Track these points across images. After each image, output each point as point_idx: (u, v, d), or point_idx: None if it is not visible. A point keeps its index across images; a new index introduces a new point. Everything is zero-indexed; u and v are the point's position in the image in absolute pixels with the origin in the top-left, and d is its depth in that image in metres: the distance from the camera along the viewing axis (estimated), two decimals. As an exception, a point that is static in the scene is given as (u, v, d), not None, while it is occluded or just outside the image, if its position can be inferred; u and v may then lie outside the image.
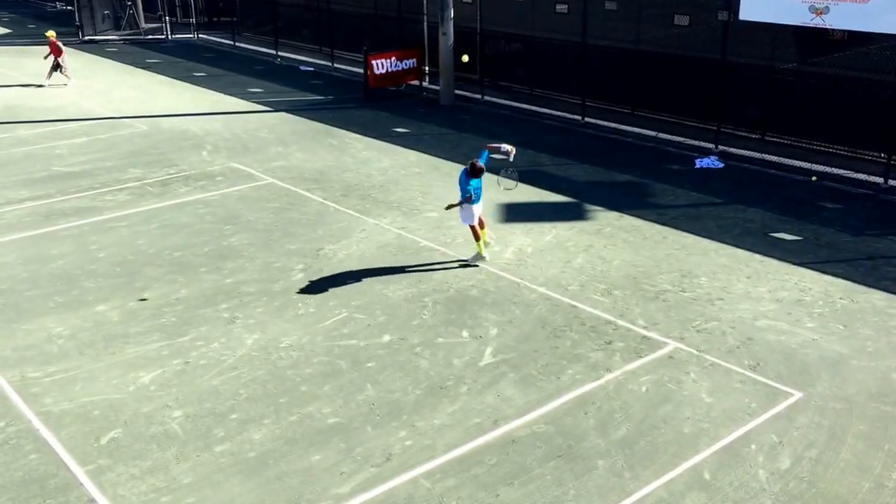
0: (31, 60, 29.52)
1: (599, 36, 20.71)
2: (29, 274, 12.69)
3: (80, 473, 8.34)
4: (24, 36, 35.14)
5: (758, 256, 12.96)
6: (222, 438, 8.84)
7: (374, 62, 23.49)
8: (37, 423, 9.11)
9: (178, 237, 13.97)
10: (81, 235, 14.10)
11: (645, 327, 10.90)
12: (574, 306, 11.47)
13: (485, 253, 12.83)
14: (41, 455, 8.62)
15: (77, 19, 33.86)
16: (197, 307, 11.57)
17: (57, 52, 25.45)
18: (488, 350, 10.43)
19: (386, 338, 10.76)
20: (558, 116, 21.55)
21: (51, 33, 25.66)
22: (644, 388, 9.57)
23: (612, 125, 20.55)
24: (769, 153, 17.91)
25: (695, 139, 19.08)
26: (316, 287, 12.15)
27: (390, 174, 17.01)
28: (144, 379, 9.92)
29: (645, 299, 11.65)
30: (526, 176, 16.64)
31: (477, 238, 12.75)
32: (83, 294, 12.06)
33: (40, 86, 25.63)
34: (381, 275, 12.49)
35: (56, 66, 25.56)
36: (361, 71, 24.26)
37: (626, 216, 14.69)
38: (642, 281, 12.20)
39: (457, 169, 17.16)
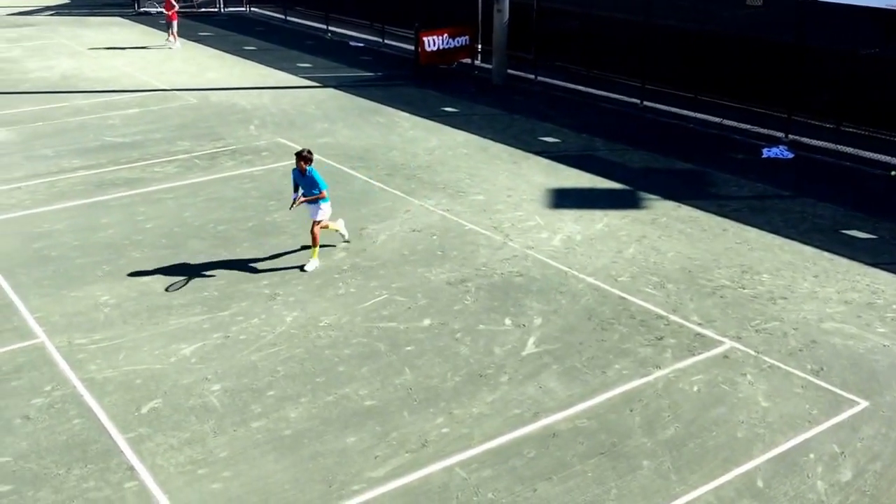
0: (88, 30, 29.84)
1: (664, 15, 20.17)
2: (79, 242, 12.80)
3: (120, 441, 8.41)
4: (83, 6, 35.51)
5: (826, 254, 12.52)
6: (259, 415, 8.83)
7: (425, 39, 23.28)
8: (81, 389, 9.20)
9: (223, 211, 13.99)
10: (130, 206, 14.19)
11: (699, 324, 10.62)
12: (624, 298, 11.24)
13: (317, 261, 12.03)
14: (84, 420, 8.70)
15: (133, -10, 34.17)
16: (238, 282, 11.57)
17: (169, 7, 26.53)
18: (531, 340, 10.27)
19: (426, 322, 10.65)
20: (615, 99, 21.10)
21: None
22: (695, 388, 9.33)
23: (673, 110, 20.00)
24: (844, 144, 17.10)
25: (762, 127, 18.40)
26: (357, 267, 12.08)
27: (437, 154, 16.86)
28: (185, 351, 9.95)
29: (700, 294, 11.36)
30: (579, 161, 16.45)
31: (316, 237, 11.94)
32: (130, 264, 12.13)
33: (169, 48, 26.85)
34: (423, 257, 12.37)
35: (169, 26, 26.90)
36: (412, 48, 24.08)
37: (683, 206, 14.32)
38: (698, 275, 11.90)
39: (506, 151, 17.03)
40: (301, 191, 11.96)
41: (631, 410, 8.91)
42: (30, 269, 11.94)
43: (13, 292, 11.25)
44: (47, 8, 35.04)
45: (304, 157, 11.69)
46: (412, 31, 24.11)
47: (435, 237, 13.05)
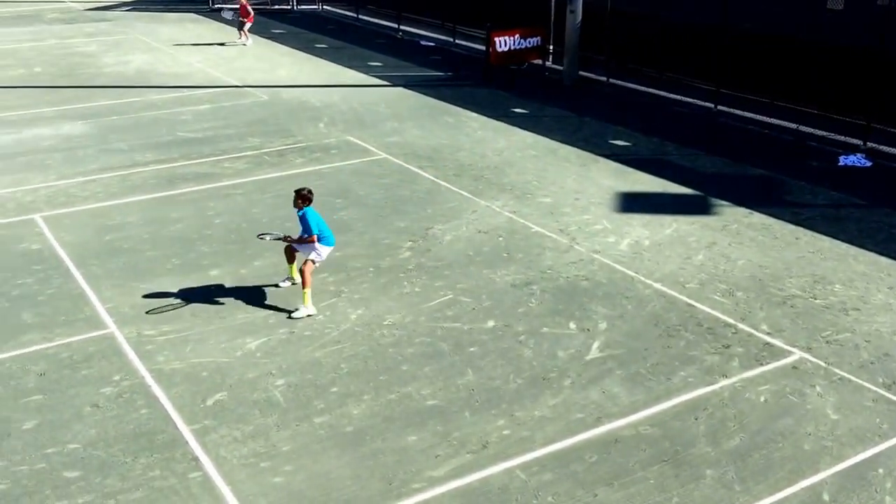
0: (163, 26, 30.48)
1: (741, 18, 19.72)
2: (150, 235, 13.06)
3: (186, 432, 8.53)
4: (158, 3, 36.30)
5: (901, 265, 12.14)
6: (322, 410, 8.88)
7: (496, 39, 23.19)
8: (149, 380, 9.37)
9: (290, 208, 14.03)
10: (200, 200, 14.43)
11: (768, 333, 10.36)
12: (691, 305, 11.02)
13: (312, 308, 10.77)
14: (151, 411, 8.85)
15: (207, -12, 34.80)
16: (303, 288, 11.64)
17: (245, 13, 26.89)
18: (595, 344, 10.13)
19: (490, 323, 10.59)
20: (689, 103, 20.74)
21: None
22: (762, 399, 9.09)
23: (748, 115, 19.57)
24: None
25: (840, 134, 17.89)
26: (422, 266, 12.07)
27: (505, 155, 16.77)
28: (251, 345, 10.06)
29: (770, 304, 11.07)
30: (649, 165, 16.20)
31: (306, 285, 10.70)
32: (199, 258, 12.33)
33: (242, 44, 27.23)
34: (489, 259, 12.31)
35: (241, 26, 27.24)
36: (483, 48, 24.03)
37: (755, 213, 14.00)
38: (769, 284, 11.61)
39: (575, 153, 16.87)
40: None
41: (696, 419, 8.72)
42: (102, 260, 12.22)
43: (85, 283, 11.52)
44: (124, 3, 35.90)
45: (300, 196, 10.64)
46: (483, 31, 24.04)
47: (501, 239, 12.97)
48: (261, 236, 11.25)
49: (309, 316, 10.68)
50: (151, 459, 8.14)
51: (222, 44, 27.42)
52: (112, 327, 10.43)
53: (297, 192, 10.73)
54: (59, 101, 20.57)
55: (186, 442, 8.39)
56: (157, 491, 7.72)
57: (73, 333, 10.29)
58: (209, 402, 9.01)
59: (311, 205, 10.69)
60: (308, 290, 10.69)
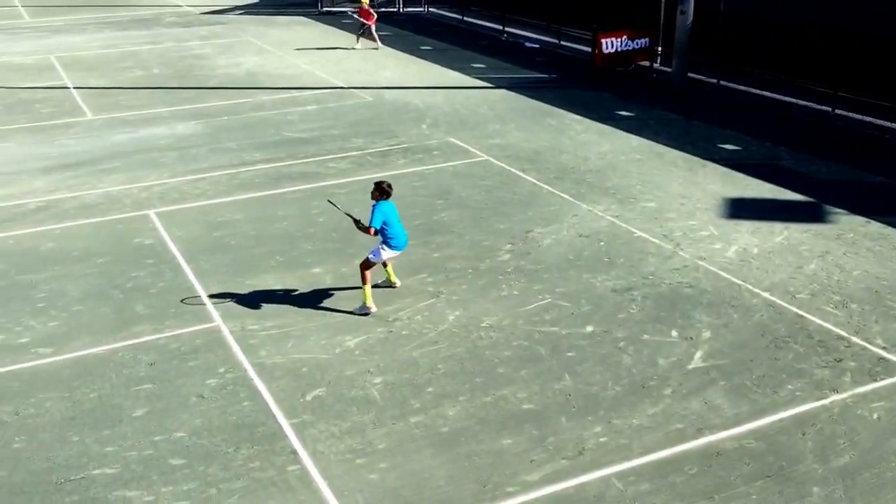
0: (273, 29, 31.26)
1: (860, 19, 18.91)
2: (256, 232, 13.40)
3: (285, 425, 8.70)
4: (269, 6, 37.26)
5: None
6: (418, 410, 8.91)
7: (603, 40, 22.91)
8: (251, 373, 9.60)
9: (393, 207, 14.25)
10: (304, 199, 14.72)
11: (884, 348, 9.88)
12: (801, 316, 10.61)
13: (372, 306, 10.79)
14: (253, 403, 9.07)
15: (317, -9, 35.55)
16: (403, 278, 11.74)
17: (367, 17, 27.32)
18: (698, 353, 9.86)
19: (589, 328, 10.44)
20: (804, 107, 20.01)
21: (364, 1, 27.61)
22: (876, 416, 8.68)
23: (867, 119, 18.77)
24: None
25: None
26: (521, 269, 12.00)
27: (609, 159, 16.53)
28: (350, 343, 10.19)
29: (887, 317, 10.56)
30: (760, 170, 15.71)
31: (364, 282, 10.75)
32: (302, 255, 12.57)
33: (375, 48, 27.52)
34: (589, 263, 12.15)
35: (364, 31, 27.58)
36: (589, 49, 23.77)
37: (873, 222, 13.39)
38: (886, 296, 11.08)
39: (682, 157, 16.50)
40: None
41: (803, 434, 8.39)
42: (210, 255, 12.59)
43: (194, 277, 11.89)
44: (237, 7, 37.00)
45: (379, 188, 10.67)
46: (589, 33, 23.78)
47: (602, 243, 12.79)
48: (331, 201, 11.21)
49: (364, 315, 10.73)
50: (252, 451, 8.33)
51: (338, 47, 27.71)
52: (218, 321, 10.74)
53: (377, 183, 10.75)
54: (174, 101, 21.34)
55: (286, 435, 8.56)
56: (257, 482, 7.90)
57: (182, 326, 10.63)
58: (308, 398, 9.17)
59: (389, 199, 10.68)
60: (367, 287, 10.74)
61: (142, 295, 11.41)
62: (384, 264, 11.24)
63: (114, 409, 9.01)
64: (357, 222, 10.75)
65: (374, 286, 11.30)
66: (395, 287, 11.43)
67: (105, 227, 13.63)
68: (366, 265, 10.79)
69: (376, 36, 27.79)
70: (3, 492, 7.81)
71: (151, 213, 14.16)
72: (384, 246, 10.76)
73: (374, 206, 10.64)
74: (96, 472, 8.06)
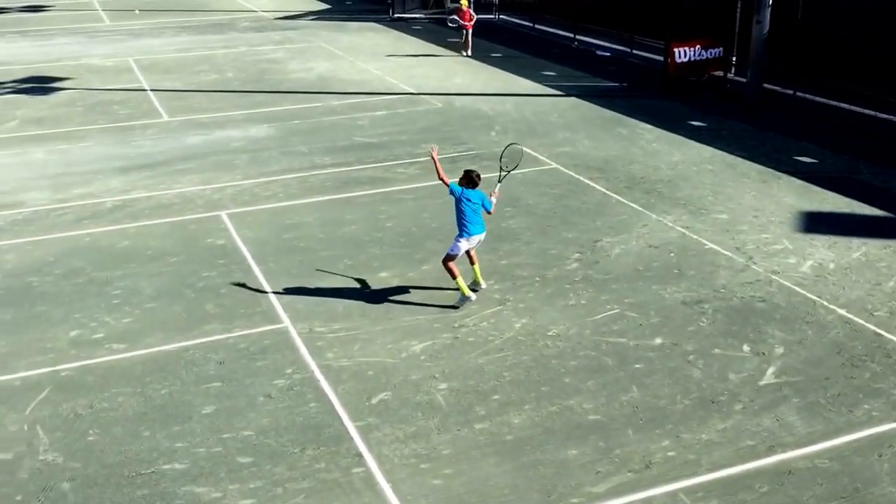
0: (345, 35, 31.61)
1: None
2: (325, 235, 13.53)
3: (351, 428, 8.76)
4: (342, 12, 37.70)
5: None
6: (482, 417, 8.88)
7: (676, 50, 22.61)
8: (318, 375, 9.69)
9: (461, 214, 14.25)
10: (373, 204, 14.82)
11: (962, 369, 9.54)
12: (879, 335, 10.29)
13: (470, 294, 11.13)
14: (319, 405, 9.14)
15: (389, -3, 35.84)
16: (469, 284, 11.71)
17: (468, 19, 27.28)
18: (771, 369, 9.63)
19: (658, 340, 10.29)
20: (886, 120, 19.41)
21: (464, 2, 27.58)
22: (954, 439, 8.37)
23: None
24: None
25: None
26: (589, 279, 11.89)
27: (680, 169, 16.29)
28: (416, 348, 10.21)
29: (965, 337, 10.21)
30: (837, 184, 15.32)
31: (453, 276, 11.00)
32: (369, 260, 12.65)
33: (466, 55, 27.44)
34: (658, 274, 11.97)
35: (463, 34, 27.51)
36: (661, 58, 23.49)
37: (953, 240, 12.95)
38: (962, 315, 10.71)
39: (755, 169, 16.19)
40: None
41: (879, 456, 8.12)
42: (280, 257, 12.75)
43: (264, 278, 12.06)
44: (310, 13, 37.50)
45: (468, 176, 11.01)
46: (662, 42, 23.49)
47: (672, 254, 12.59)
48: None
49: (464, 303, 11.07)
50: (318, 452, 8.39)
51: (432, 55, 27.45)
52: (286, 322, 10.86)
53: (467, 171, 11.07)
54: (247, 104, 21.71)
55: (351, 438, 8.61)
56: (322, 483, 7.95)
57: (251, 326, 10.78)
58: (374, 401, 9.21)
59: (476, 188, 10.94)
60: (458, 280, 11.02)
61: (212, 294, 11.61)
62: (471, 261, 11.35)
63: (184, 405, 9.17)
64: (435, 161, 11.12)
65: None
66: (479, 288, 11.43)
67: (178, 226, 13.92)
68: (447, 259, 11.03)
69: (470, 43, 27.59)
70: (76, 483, 8.01)
71: (223, 214, 14.41)
72: (460, 238, 10.97)
73: (460, 190, 10.92)
74: (166, 466, 8.21)
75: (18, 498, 7.83)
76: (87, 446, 8.53)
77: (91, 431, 8.76)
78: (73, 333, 10.66)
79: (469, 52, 27.47)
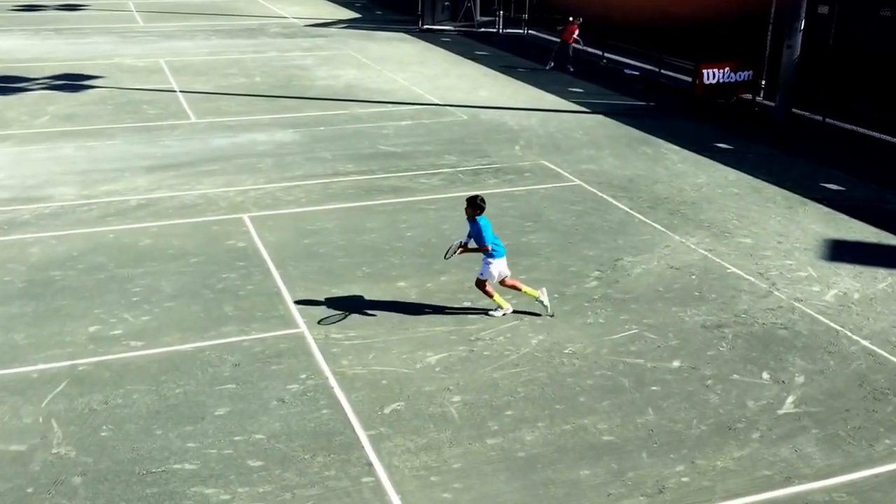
0: (373, 44, 31.72)
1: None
2: (344, 242, 13.53)
3: (362, 436, 8.72)
4: (371, 21, 37.86)
5: None
6: (495, 432, 8.82)
7: (705, 71, 22.52)
8: (332, 382, 9.66)
9: (482, 227, 14.21)
10: (394, 213, 14.81)
11: None
12: (901, 368, 10.16)
13: (506, 306, 11.19)
14: (332, 412, 9.11)
15: (419, 8, 35.90)
16: (488, 298, 11.65)
17: (568, 36, 27.24)
18: (790, 398, 9.50)
19: (675, 363, 10.18)
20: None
21: (572, 20, 27.45)
22: (976, 478, 8.22)
23: None
24: None
25: None
26: (608, 298, 11.80)
27: (705, 191, 16.18)
28: (431, 359, 10.17)
29: None
30: (865, 212, 15.16)
31: (490, 294, 11.05)
32: (388, 268, 12.63)
33: (571, 69, 27.28)
34: (679, 296, 11.87)
35: (560, 48, 27.40)
36: (689, 79, 23.40)
37: (980, 274, 12.76)
38: None
39: (781, 194, 16.05)
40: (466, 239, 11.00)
41: (900, 493, 7.99)
42: (299, 262, 12.76)
43: (282, 282, 12.06)
44: (340, 21, 37.69)
45: (473, 204, 10.73)
46: (691, 63, 23.39)
47: (693, 277, 12.49)
48: (447, 256, 11.16)
49: (504, 314, 11.16)
50: (328, 459, 8.35)
51: (569, 70, 27.21)
52: (302, 327, 10.85)
53: (472, 199, 10.82)
54: (274, 109, 21.81)
55: (362, 446, 8.56)
56: (331, 490, 7.91)
57: (268, 329, 10.78)
58: (386, 411, 9.16)
59: (483, 214, 10.80)
60: (495, 296, 11.10)
61: (231, 296, 11.63)
62: (511, 285, 11.15)
63: (197, 406, 9.17)
64: (468, 248, 10.92)
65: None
66: (540, 301, 11.21)
67: (200, 227, 13.97)
68: (482, 285, 11.05)
69: (566, 56, 27.37)
70: (88, 478, 8.01)
71: (245, 216, 14.45)
72: (490, 259, 10.87)
73: (477, 223, 10.74)
74: (176, 466, 8.20)
75: (30, 490, 7.84)
76: (100, 442, 8.54)
77: (105, 427, 8.77)
78: (92, 329, 10.70)
79: (572, 68, 27.34)
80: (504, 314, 11.19)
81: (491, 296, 11.10)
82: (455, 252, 11.03)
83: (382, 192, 15.88)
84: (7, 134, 19.07)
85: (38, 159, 17.32)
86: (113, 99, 22.42)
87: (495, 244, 10.88)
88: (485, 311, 11.27)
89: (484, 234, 10.71)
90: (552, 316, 11.18)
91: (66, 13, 38.27)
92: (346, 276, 12.30)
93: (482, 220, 10.78)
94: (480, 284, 11.08)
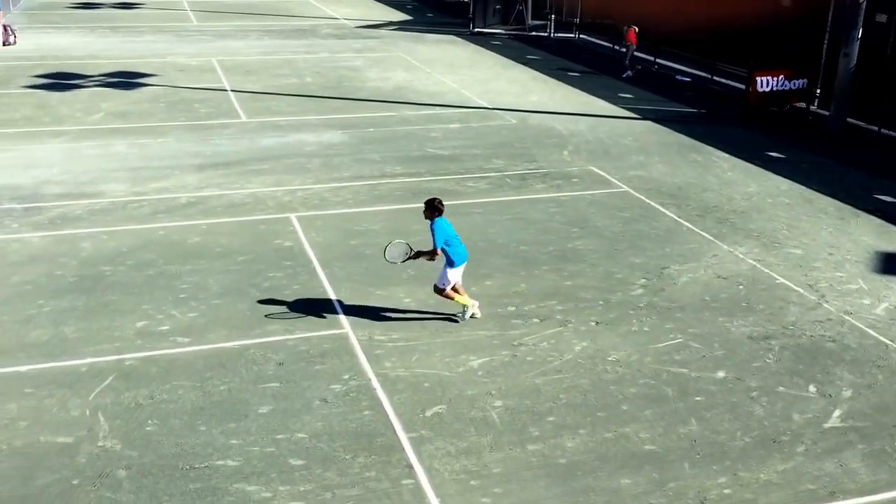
0: (424, 46, 31.82)
1: None
2: (389, 243, 13.57)
3: (403, 438, 8.75)
4: (422, 24, 37.98)
5: None
6: (536, 438, 8.79)
7: (758, 79, 22.22)
8: (375, 383, 9.71)
9: (527, 232, 14.19)
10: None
11: None
12: (952, 385, 9.92)
13: (474, 309, 11.05)
14: (374, 413, 9.16)
15: (470, 11, 35.94)
16: (532, 304, 11.65)
17: (632, 40, 27.29)
18: (837, 412, 9.33)
19: (720, 374, 10.06)
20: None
21: (630, 27, 27.56)
22: None
23: None
24: None
25: None
26: (654, 306, 11.70)
27: (755, 200, 15.95)
28: (473, 363, 10.17)
29: None
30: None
31: (449, 297, 10.90)
32: (433, 272, 12.61)
33: (630, 74, 27.27)
34: (725, 306, 11.72)
35: (628, 54, 27.46)
36: (742, 86, 23.10)
37: None
38: None
39: (833, 205, 15.78)
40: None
41: (949, 514, 7.80)
42: (345, 263, 12.85)
43: (328, 283, 12.16)
44: (391, 23, 37.88)
45: (430, 206, 10.59)
46: (744, 70, 23.09)
47: (741, 287, 12.32)
48: (392, 261, 10.94)
49: (472, 316, 11.04)
50: (369, 460, 8.40)
51: (629, 77, 27.18)
52: (347, 328, 10.92)
53: (429, 201, 10.68)
54: (323, 110, 22.00)
55: (403, 448, 8.59)
56: (371, 491, 7.95)
57: (312, 329, 10.87)
58: (428, 413, 9.19)
59: (442, 216, 10.63)
60: (457, 297, 10.89)
61: (277, 295, 11.75)
62: (455, 290, 11.00)
63: (241, 403, 9.28)
64: (418, 254, 10.82)
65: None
66: (466, 313, 11.12)
67: (248, 226, 14.14)
68: (440, 292, 10.91)
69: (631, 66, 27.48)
70: (132, 471, 8.16)
71: (293, 216, 14.59)
72: (448, 268, 10.75)
73: (432, 225, 10.60)
74: (219, 462, 8.31)
75: (76, 482, 8.01)
76: (145, 436, 8.69)
77: (150, 422, 8.92)
78: (139, 324, 10.89)
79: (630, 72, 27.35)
80: (472, 315, 11.04)
81: (452, 298, 10.90)
82: (404, 261, 10.90)
83: (430, 194, 15.79)
84: (61, 130, 19.50)
85: (91, 156, 17.69)
86: (166, 97, 22.80)
87: (456, 252, 10.65)
88: (529, 317, 11.24)
89: (436, 236, 10.51)
90: (473, 316, 11.08)
91: (122, 11, 39.02)
92: (392, 278, 12.36)
93: (441, 221, 10.60)
94: (439, 291, 10.91)
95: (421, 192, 15.93)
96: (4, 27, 29.34)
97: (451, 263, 10.73)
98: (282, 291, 11.87)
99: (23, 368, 9.82)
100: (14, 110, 21.06)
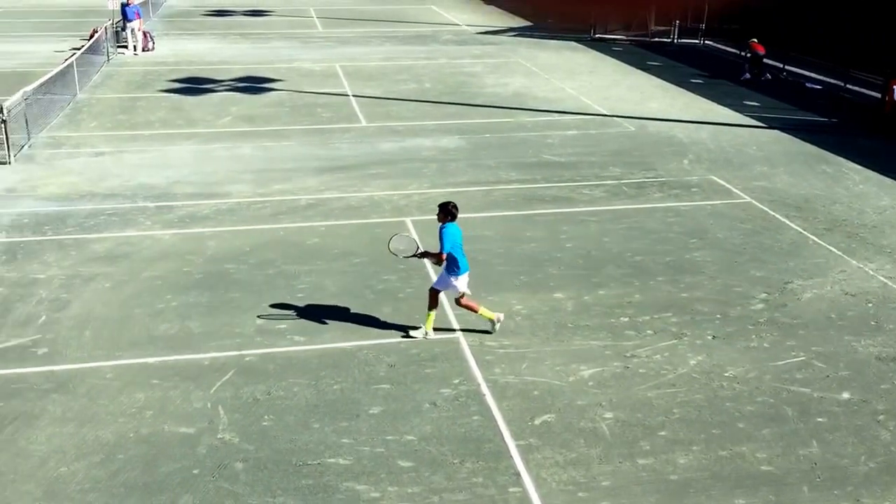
0: (543, 52, 31.70)
1: None
2: (503, 250, 13.59)
3: (511, 446, 8.73)
4: (542, 29, 37.82)
5: None
6: (647, 452, 8.63)
7: (895, 87, 21.15)
8: (484, 389, 9.73)
9: (642, 241, 13.94)
10: (554, 223, 14.74)
11: None
12: None
13: (431, 331, 10.76)
14: (482, 419, 9.18)
15: (591, 17, 35.60)
16: (647, 315, 11.43)
17: (759, 49, 27.19)
18: (973, 442, 8.80)
19: (845, 395, 9.63)
20: None
21: (754, 40, 27.40)
22: None
23: None
24: None
25: None
26: (775, 322, 11.29)
27: (888, 215, 15.20)
28: (584, 373, 10.06)
29: None
30: None
31: (431, 308, 10.69)
32: (545, 279, 12.59)
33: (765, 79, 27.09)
34: (852, 324, 11.21)
35: (756, 64, 27.29)
36: (878, 95, 22.06)
37: None
38: None
39: (972, 222, 14.86)
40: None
41: None
42: (459, 267, 12.91)
43: (442, 286, 12.24)
44: (511, 29, 37.89)
45: (444, 209, 10.39)
46: (881, 78, 22.03)
47: (870, 305, 11.76)
48: (395, 253, 10.77)
49: (424, 338, 10.72)
50: (476, 466, 8.42)
51: (747, 79, 26.99)
52: (458, 333, 10.98)
53: (443, 205, 10.46)
54: (440, 115, 22.20)
55: (511, 456, 8.58)
56: (478, 497, 7.97)
57: (424, 332, 10.97)
58: (537, 422, 9.14)
59: (454, 222, 10.39)
60: (430, 319, 10.73)
61: (390, 298, 11.92)
62: (466, 305, 10.82)
63: (353, 403, 9.46)
64: (424, 254, 10.64)
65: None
66: (494, 324, 10.95)
67: (365, 229, 14.41)
68: (434, 294, 10.79)
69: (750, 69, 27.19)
70: (249, 464, 8.43)
71: (408, 220, 14.78)
72: (451, 276, 10.52)
73: (441, 229, 10.39)
74: (331, 460, 8.50)
75: (195, 472, 8.33)
76: (261, 430, 8.97)
77: (266, 417, 9.20)
78: (259, 321, 11.25)
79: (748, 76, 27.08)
80: (425, 337, 10.75)
81: (429, 310, 10.74)
82: (414, 255, 10.72)
83: (544, 201, 15.85)
84: (193, 132, 20.35)
85: (220, 157, 18.39)
86: (290, 102, 23.48)
87: (459, 261, 10.43)
88: (642, 329, 11.04)
89: (443, 241, 10.28)
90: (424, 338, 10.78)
91: (252, 19, 40.42)
92: (504, 284, 12.36)
93: (451, 226, 10.37)
94: (433, 293, 10.76)
95: (534, 199, 15.89)
96: (145, 34, 30.88)
97: (453, 271, 10.53)
98: (395, 294, 12.04)
99: (151, 360, 10.30)
100: (151, 113, 22.12)
